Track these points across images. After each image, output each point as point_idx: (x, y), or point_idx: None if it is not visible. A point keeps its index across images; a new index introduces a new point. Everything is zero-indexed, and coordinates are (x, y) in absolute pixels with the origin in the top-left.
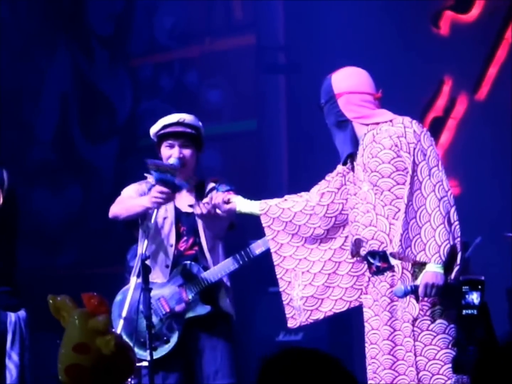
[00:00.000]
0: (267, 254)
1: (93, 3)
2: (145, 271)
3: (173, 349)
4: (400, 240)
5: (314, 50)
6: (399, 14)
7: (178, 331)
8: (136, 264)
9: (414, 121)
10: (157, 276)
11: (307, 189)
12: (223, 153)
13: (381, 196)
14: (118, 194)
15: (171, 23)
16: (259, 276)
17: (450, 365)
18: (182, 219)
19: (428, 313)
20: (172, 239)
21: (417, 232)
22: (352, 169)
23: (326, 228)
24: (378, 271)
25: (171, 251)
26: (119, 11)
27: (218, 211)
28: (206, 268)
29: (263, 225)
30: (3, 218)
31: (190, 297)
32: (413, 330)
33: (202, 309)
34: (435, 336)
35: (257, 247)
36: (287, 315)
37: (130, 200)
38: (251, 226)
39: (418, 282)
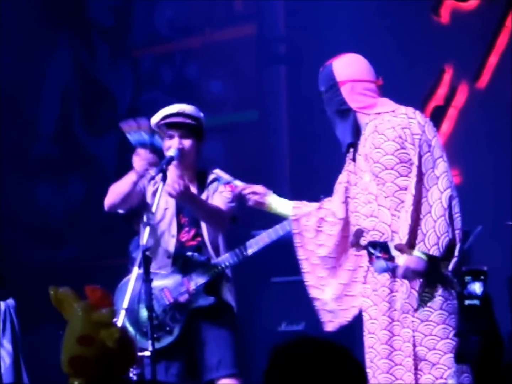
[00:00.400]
0: (270, 245)
1: None
2: (146, 262)
3: (176, 339)
4: (409, 232)
5: (315, 40)
6: (400, 3)
7: (181, 322)
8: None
9: (417, 112)
10: (159, 267)
11: (308, 179)
12: (225, 144)
13: (384, 187)
14: None
15: (172, 14)
16: (262, 266)
17: (450, 355)
18: (184, 210)
19: (428, 304)
20: (174, 230)
21: (418, 223)
22: (353, 158)
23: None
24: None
25: (172, 242)
26: (120, 3)
27: (225, 194)
28: (209, 259)
29: (293, 231)
30: None
31: (193, 288)
32: (412, 321)
33: (205, 300)
34: (435, 327)
35: (250, 247)
36: (323, 320)
37: (117, 183)
38: (254, 218)
39: (400, 263)
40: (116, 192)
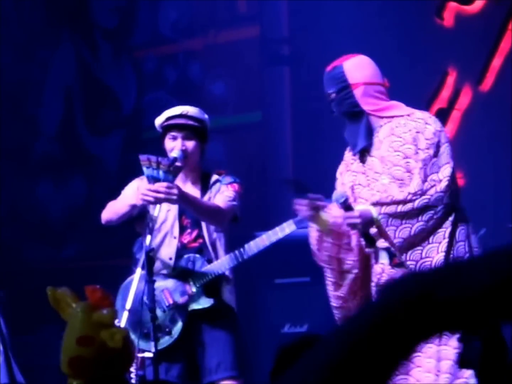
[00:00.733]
0: (274, 246)
1: None
2: (149, 263)
3: (176, 341)
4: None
5: (318, 41)
6: (403, 5)
7: (181, 323)
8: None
9: (433, 117)
10: (161, 268)
11: (311, 180)
12: (228, 145)
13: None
14: (123, 187)
15: (175, 15)
16: (266, 267)
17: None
18: (186, 211)
19: None
20: (176, 232)
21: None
22: (362, 160)
23: None
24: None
25: (174, 243)
26: (123, 3)
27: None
28: (210, 261)
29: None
30: None
31: (193, 289)
32: None
33: (205, 302)
34: None
35: (249, 250)
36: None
37: (117, 202)
38: (257, 219)
39: (357, 208)
40: (113, 210)
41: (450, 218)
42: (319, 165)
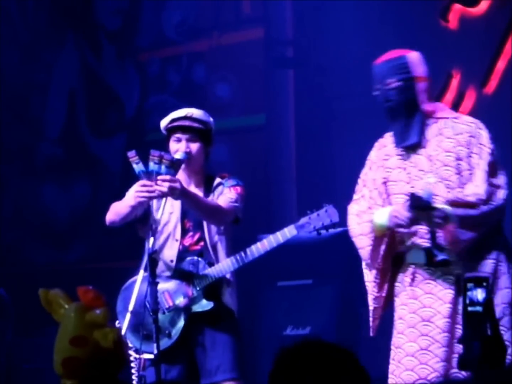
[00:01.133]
0: (276, 249)
1: None
2: (152, 265)
3: (176, 343)
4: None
5: (322, 44)
6: (408, 8)
7: (181, 326)
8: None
9: (482, 123)
10: (162, 270)
11: (314, 182)
12: (232, 147)
13: (453, 191)
14: (127, 189)
15: (179, 17)
16: (268, 270)
17: None
18: (189, 214)
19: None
20: (178, 234)
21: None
22: (402, 155)
23: None
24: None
25: (176, 246)
26: (127, 5)
27: None
28: (211, 264)
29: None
30: None
31: (194, 292)
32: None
33: (206, 305)
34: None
35: (251, 254)
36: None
37: (119, 203)
38: (260, 221)
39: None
40: (115, 212)
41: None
42: (322, 167)
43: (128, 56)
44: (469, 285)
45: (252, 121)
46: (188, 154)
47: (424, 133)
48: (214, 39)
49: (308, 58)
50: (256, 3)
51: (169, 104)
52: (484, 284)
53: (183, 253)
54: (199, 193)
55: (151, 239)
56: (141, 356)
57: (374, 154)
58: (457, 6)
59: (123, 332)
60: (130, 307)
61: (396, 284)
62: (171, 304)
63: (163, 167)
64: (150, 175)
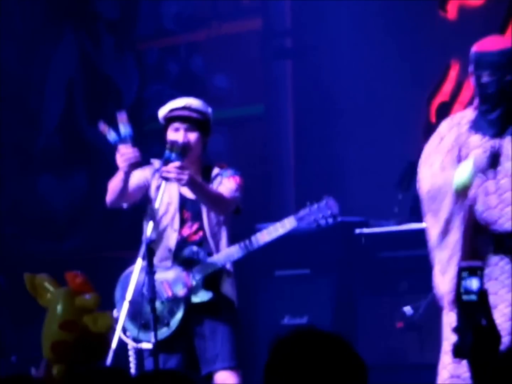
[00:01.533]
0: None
1: None
2: (149, 255)
3: (174, 332)
4: None
5: (321, 34)
6: None
7: (179, 315)
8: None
9: None
10: (160, 260)
11: (313, 173)
12: (230, 137)
13: None
14: None
15: (178, 7)
16: (266, 259)
17: None
18: (187, 204)
19: None
20: (176, 225)
21: None
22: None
23: None
24: None
25: (174, 236)
26: None
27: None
28: (210, 254)
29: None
30: None
31: (193, 282)
32: None
33: (205, 295)
34: None
35: (262, 237)
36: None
37: (111, 181)
38: (258, 211)
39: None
40: (111, 189)
41: None
42: (320, 157)
43: (126, 46)
44: (464, 274)
45: (251, 111)
46: (186, 144)
47: None
48: (213, 29)
49: (306, 49)
50: None
51: (168, 94)
52: (478, 273)
53: (182, 243)
54: None
55: (149, 229)
56: (139, 345)
57: (450, 133)
58: None
59: (121, 321)
60: (128, 296)
61: None
62: (170, 294)
63: (173, 154)
64: (124, 140)
